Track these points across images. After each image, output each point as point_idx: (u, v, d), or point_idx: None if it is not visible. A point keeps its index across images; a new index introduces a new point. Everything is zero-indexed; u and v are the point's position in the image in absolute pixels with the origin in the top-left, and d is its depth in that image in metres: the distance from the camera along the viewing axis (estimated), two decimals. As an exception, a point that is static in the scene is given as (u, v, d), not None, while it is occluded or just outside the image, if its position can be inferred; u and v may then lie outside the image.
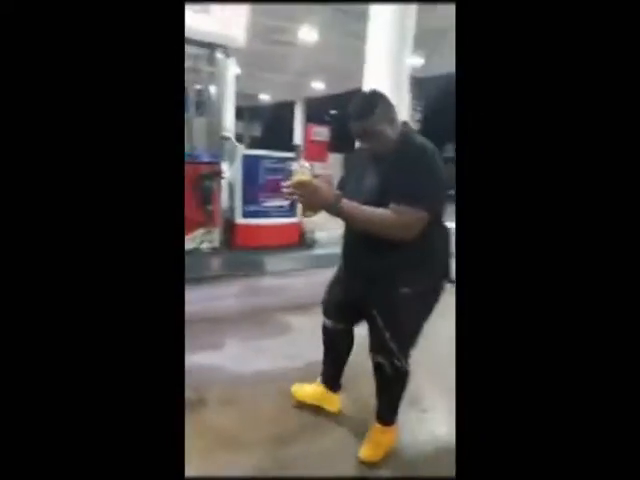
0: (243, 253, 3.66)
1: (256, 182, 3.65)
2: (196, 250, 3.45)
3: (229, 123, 3.79)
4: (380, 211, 1.25)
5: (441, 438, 1.68)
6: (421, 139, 1.34)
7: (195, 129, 3.27)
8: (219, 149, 3.54)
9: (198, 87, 3.49)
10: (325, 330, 1.67)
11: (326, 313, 1.65)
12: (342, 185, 1.56)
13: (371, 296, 1.42)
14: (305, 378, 1.96)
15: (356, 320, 1.59)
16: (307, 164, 1.34)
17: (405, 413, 1.82)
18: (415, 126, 10.45)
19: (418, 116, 10.50)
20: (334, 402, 1.77)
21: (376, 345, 1.44)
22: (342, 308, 1.58)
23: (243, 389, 1.91)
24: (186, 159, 3.28)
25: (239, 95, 8.51)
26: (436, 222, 1.33)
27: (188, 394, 1.86)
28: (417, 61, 8.34)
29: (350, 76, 9.07)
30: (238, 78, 8.50)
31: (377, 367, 1.47)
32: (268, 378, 2.01)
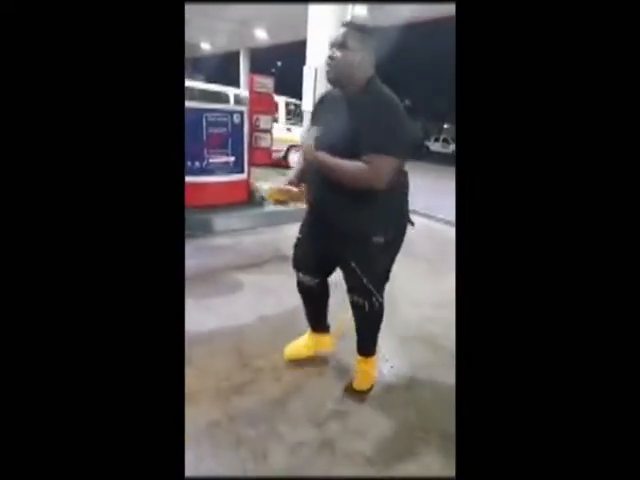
0: (190, 213, 3.55)
1: (199, 137, 3.49)
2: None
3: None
4: (353, 163, 1.31)
5: (387, 376, 1.82)
6: (387, 89, 1.38)
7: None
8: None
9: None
10: (302, 285, 1.73)
11: (301, 269, 1.71)
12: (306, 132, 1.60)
13: (348, 250, 1.51)
14: (258, 334, 2.01)
15: (332, 271, 1.70)
16: (264, 184, 1.44)
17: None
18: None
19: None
20: (327, 343, 1.90)
21: (355, 288, 1.56)
22: (318, 263, 1.66)
23: (196, 347, 1.92)
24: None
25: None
26: (401, 171, 1.42)
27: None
28: (360, 11, 8.11)
29: (294, 26, 8.65)
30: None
31: (356, 306, 1.59)
32: (221, 335, 2.03)
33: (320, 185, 1.48)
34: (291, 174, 1.66)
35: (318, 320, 1.85)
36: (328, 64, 1.40)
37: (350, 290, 1.59)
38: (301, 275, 1.71)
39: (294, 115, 7.81)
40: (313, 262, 1.67)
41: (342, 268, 1.59)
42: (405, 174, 1.49)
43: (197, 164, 3.55)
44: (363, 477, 1.30)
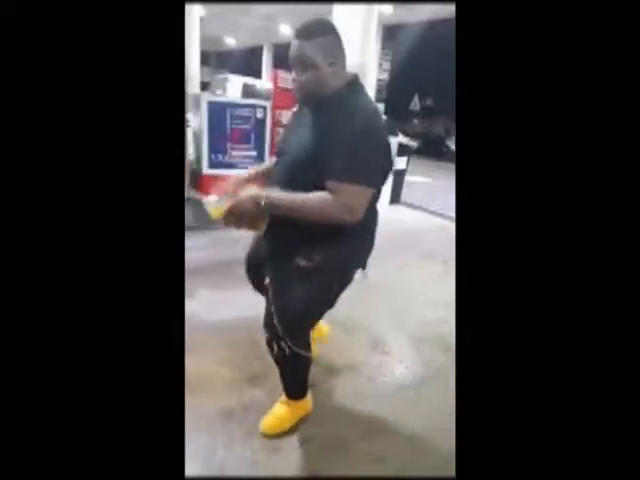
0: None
1: (223, 131, 3.54)
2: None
3: (194, 69, 3.59)
4: (316, 196, 1.06)
5: (400, 376, 1.81)
6: (366, 100, 1.16)
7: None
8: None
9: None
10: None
11: (250, 281, 1.57)
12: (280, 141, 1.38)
13: (269, 263, 1.29)
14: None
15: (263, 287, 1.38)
16: (211, 198, 1.21)
17: (367, 355, 1.95)
18: (384, 75, 10.19)
19: (387, 65, 10.24)
20: (322, 331, 1.88)
21: (265, 320, 1.28)
22: (251, 270, 1.53)
23: (212, 336, 1.96)
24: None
25: (203, 39, 7.98)
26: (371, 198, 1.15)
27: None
28: (386, 8, 8.07)
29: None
30: (202, 20, 7.94)
31: (268, 345, 1.31)
32: (237, 326, 2.06)
33: None
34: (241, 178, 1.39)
35: None
36: (294, 87, 1.18)
37: (263, 322, 1.29)
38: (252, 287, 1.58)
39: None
40: (249, 268, 1.53)
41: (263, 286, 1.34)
42: (373, 208, 1.22)
43: (220, 157, 3.61)
44: (363, 477, 1.30)
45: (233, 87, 6.95)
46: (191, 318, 2.11)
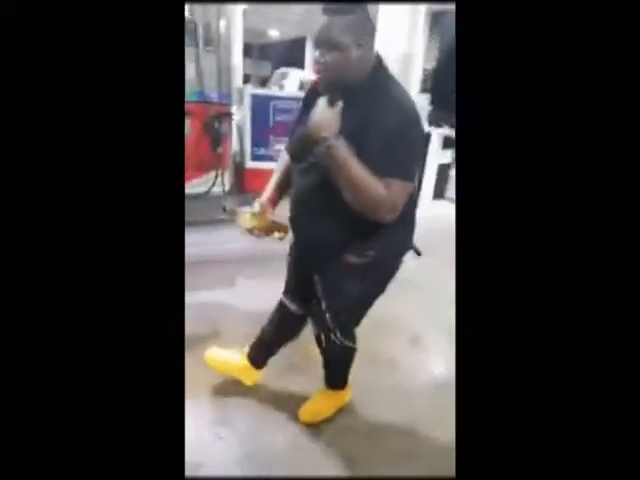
0: (253, 196, 3.67)
1: (265, 124, 3.58)
2: (207, 193, 3.48)
3: (237, 61, 3.65)
4: (377, 181, 1.00)
5: (439, 376, 1.80)
6: (397, 86, 1.08)
7: (204, 67, 3.16)
8: (228, 88, 3.45)
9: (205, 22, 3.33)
10: (280, 306, 1.48)
11: (285, 290, 1.47)
12: (292, 133, 1.28)
13: (316, 262, 1.24)
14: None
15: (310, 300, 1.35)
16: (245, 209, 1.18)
17: (406, 351, 1.94)
18: (431, 65, 9.89)
19: (435, 54, 9.94)
20: (253, 376, 1.59)
21: (314, 316, 1.30)
22: (296, 285, 1.40)
23: (254, 324, 2.01)
24: (197, 99, 3.21)
25: (247, 31, 8.07)
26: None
27: (204, 328, 1.98)
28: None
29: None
30: (245, 13, 8.03)
31: (316, 338, 1.33)
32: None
33: (297, 190, 1.20)
34: (267, 188, 1.31)
35: (263, 353, 1.55)
36: (317, 70, 1.07)
37: (311, 319, 1.32)
38: (283, 296, 1.47)
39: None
40: (292, 283, 1.42)
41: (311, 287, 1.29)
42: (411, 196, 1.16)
43: (262, 150, 3.66)
44: (363, 477, 1.30)
45: (292, 81, 6.97)
46: (231, 308, 2.19)
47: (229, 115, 3.44)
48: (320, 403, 1.49)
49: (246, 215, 1.20)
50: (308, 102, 1.16)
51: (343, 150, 0.99)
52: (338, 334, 1.26)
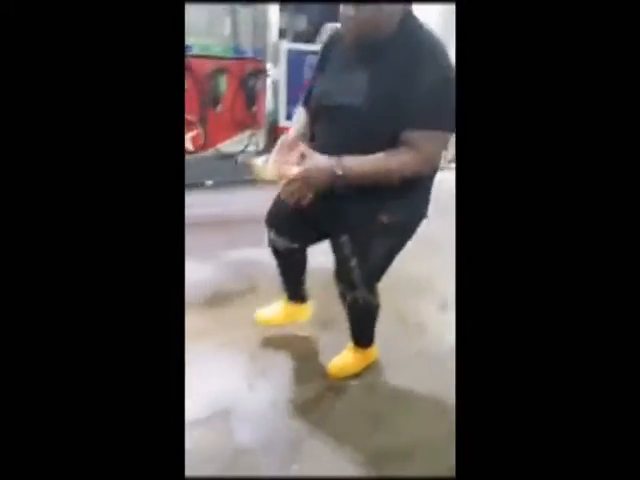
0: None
1: (301, 81, 3.50)
2: (242, 152, 3.50)
3: (273, 15, 3.54)
4: (395, 155, 1.00)
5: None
6: (428, 35, 1.03)
7: (240, 21, 3.09)
8: (263, 44, 3.37)
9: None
10: (275, 249, 1.48)
11: (275, 228, 1.41)
12: (311, 89, 1.23)
13: (344, 219, 1.20)
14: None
15: (313, 241, 1.41)
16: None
17: (435, 314, 1.96)
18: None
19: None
20: (304, 313, 1.71)
21: (340, 274, 1.29)
22: (298, 225, 1.34)
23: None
24: (233, 55, 3.17)
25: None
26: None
27: (242, 284, 2.06)
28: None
29: None
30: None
31: (341, 296, 1.35)
32: (312, 272, 2.16)
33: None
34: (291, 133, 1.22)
35: (294, 290, 1.64)
36: (348, 25, 1.03)
37: (336, 276, 1.31)
38: (274, 235, 1.42)
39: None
40: (291, 222, 1.34)
41: (331, 241, 1.29)
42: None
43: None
44: (363, 477, 1.33)
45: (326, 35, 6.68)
46: (268, 264, 2.25)
47: (264, 72, 3.39)
48: (348, 359, 1.53)
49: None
50: (327, 55, 1.15)
51: (351, 166, 1.01)
52: (364, 291, 1.29)
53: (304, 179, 1.03)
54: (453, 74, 0.99)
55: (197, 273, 2.13)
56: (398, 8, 1.02)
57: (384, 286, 1.38)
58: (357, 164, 1.02)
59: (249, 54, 3.23)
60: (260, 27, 3.26)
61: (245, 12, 3.17)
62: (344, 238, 1.23)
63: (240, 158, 3.45)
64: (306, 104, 1.26)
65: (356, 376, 1.53)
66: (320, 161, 1.03)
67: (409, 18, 1.05)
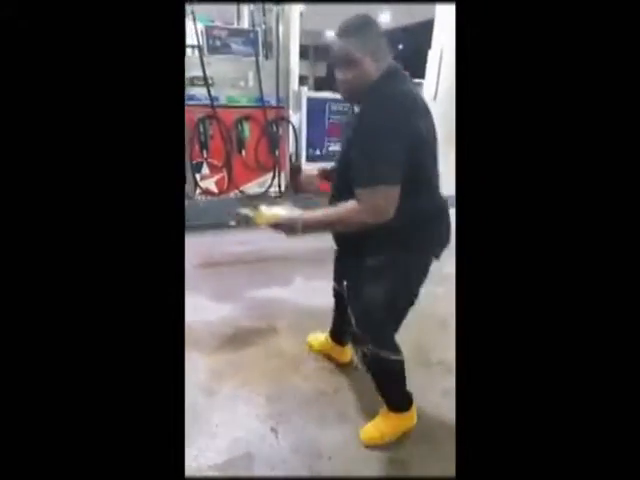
0: (308, 197, 3.75)
1: (321, 125, 3.65)
2: (264, 194, 3.61)
3: (294, 64, 3.75)
4: (345, 206, 1.09)
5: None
6: (397, 85, 1.11)
7: (263, 73, 3.29)
8: (285, 92, 3.55)
9: (263, 27, 3.45)
10: (333, 289, 1.64)
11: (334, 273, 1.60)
12: None
13: (345, 267, 1.34)
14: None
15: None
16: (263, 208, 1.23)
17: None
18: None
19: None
20: (343, 354, 1.77)
21: (345, 323, 1.35)
22: (336, 271, 1.56)
23: (307, 321, 2.08)
24: (256, 104, 3.35)
25: (303, 33, 8.18)
26: (409, 192, 1.08)
27: (261, 323, 2.08)
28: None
29: (422, 4, 8.29)
30: (302, 15, 8.16)
31: (354, 350, 1.37)
32: (329, 312, 2.16)
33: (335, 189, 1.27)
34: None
35: (334, 328, 1.76)
36: (339, 86, 1.17)
37: (348, 332, 1.39)
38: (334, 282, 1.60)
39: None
40: (335, 268, 1.56)
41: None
42: (428, 192, 1.18)
43: (317, 151, 3.73)
44: (363, 477, 1.29)
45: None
46: (287, 303, 2.27)
47: (286, 118, 3.55)
48: (379, 426, 1.42)
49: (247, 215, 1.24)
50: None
51: (306, 218, 1.14)
52: (370, 344, 1.26)
53: (279, 227, 1.18)
54: (389, 122, 1.02)
55: (217, 312, 2.16)
56: (383, 65, 1.12)
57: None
58: (312, 216, 1.15)
59: (272, 102, 3.40)
60: (282, 76, 3.45)
61: (268, 63, 3.38)
62: (344, 285, 1.31)
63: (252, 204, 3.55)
64: None
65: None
66: (290, 215, 1.18)
67: (390, 69, 1.13)
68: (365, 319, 1.26)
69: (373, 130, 1.03)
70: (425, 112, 1.11)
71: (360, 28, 1.10)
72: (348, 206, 1.09)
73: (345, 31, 1.10)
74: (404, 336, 1.36)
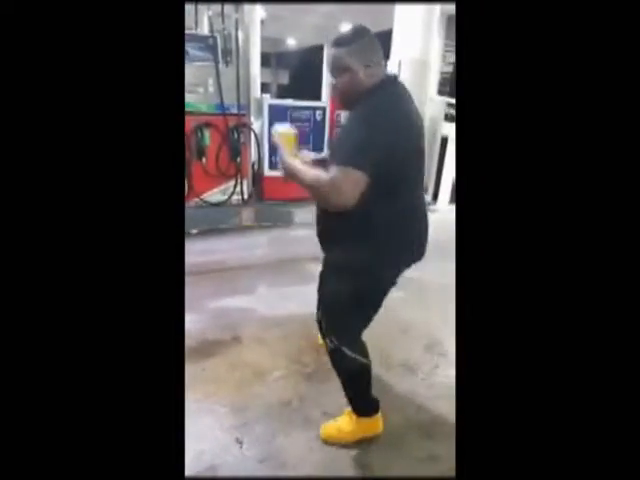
0: (271, 205, 3.74)
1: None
2: (226, 202, 3.57)
3: (255, 71, 3.75)
4: (315, 171, 1.16)
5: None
6: (393, 91, 1.18)
7: (224, 80, 3.26)
8: (247, 99, 3.54)
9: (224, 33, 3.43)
10: None
11: None
12: None
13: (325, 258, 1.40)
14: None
15: None
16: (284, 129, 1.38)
17: (423, 355, 1.95)
18: (448, 68, 9.81)
19: (451, 58, 9.86)
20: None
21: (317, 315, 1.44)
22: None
23: (271, 330, 2.07)
24: (216, 111, 3.31)
25: (264, 40, 8.16)
26: (387, 193, 1.13)
27: (224, 333, 2.04)
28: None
29: (380, 16, 8.49)
30: (263, 22, 8.15)
31: (322, 337, 1.43)
32: (293, 321, 2.16)
33: None
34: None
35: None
36: (334, 93, 1.28)
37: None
38: None
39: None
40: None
41: None
42: (404, 202, 1.20)
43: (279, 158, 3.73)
44: (363, 477, 1.31)
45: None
46: (251, 313, 2.25)
47: (247, 125, 3.53)
48: (341, 426, 1.43)
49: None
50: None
51: (289, 163, 1.23)
52: (333, 337, 1.29)
53: (281, 159, 1.29)
54: (384, 126, 1.09)
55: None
56: (377, 72, 1.18)
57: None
58: (299, 169, 1.21)
59: (233, 109, 3.38)
60: (243, 83, 3.44)
61: (228, 70, 3.35)
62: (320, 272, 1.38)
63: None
64: None
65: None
66: (287, 159, 1.27)
67: (387, 78, 1.20)
68: (328, 307, 1.33)
69: (359, 121, 1.14)
70: (414, 121, 1.18)
71: (355, 38, 1.17)
72: (322, 176, 1.13)
73: (341, 41, 1.18)
74: (366, 339, 1.37)
